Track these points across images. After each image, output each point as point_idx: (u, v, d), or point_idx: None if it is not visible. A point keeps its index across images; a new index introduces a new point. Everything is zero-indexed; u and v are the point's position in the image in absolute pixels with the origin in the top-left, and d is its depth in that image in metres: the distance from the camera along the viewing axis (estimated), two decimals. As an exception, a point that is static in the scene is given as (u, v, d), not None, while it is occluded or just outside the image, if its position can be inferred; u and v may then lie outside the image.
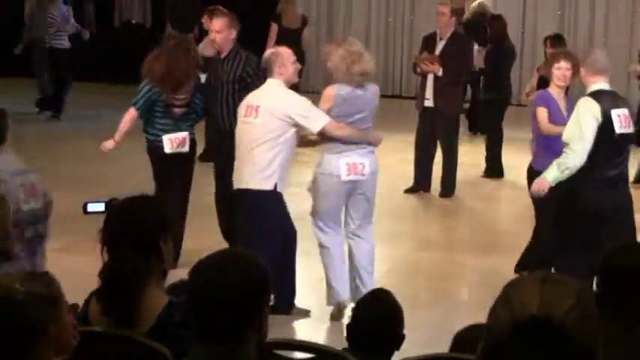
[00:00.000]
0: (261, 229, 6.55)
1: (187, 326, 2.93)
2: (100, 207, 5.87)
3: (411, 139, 10.87)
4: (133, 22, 17.88)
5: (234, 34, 7.83)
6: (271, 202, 6.59)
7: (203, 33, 10.87)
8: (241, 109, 6.74)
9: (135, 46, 14.44)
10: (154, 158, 7.84)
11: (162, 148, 7.68)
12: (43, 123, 14.23)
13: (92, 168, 11.05)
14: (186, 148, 7.73)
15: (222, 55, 7.83)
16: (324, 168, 6.70)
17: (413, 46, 16.98)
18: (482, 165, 11.62)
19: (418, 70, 10.71)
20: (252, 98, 6.70)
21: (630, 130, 6.35)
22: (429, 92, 10.52)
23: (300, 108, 6.56)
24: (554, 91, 7.17)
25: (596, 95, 6.34)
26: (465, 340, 3.54)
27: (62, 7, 14.52)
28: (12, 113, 14.57)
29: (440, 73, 10.34)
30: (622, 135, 6.29)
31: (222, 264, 2.86)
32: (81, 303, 3.61)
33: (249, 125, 6.60)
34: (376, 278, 7.55)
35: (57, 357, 2.83)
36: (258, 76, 7.39)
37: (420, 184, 10.73)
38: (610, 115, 6.23)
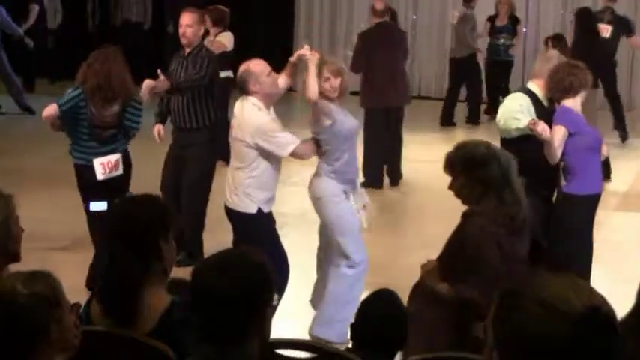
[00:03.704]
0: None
1: (190, 326, 2.92)
2: (103, 206, 5.85)
3: (410, 137, 10.96)
4: (133, 20, 17.85)
5: (202, 30, 7.89)
6: (255, 225, 6.31)
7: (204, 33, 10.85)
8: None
9: (133, 45, 14.38)
10: (83, 185, 7.11)
11: (93, 173, 6.98)
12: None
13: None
14: (119, 171, 7.05)
15: (187, 51, 7.78)
16: (325, 192, 6.34)
17: (415, 45, 17.03)
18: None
19: None
20: (234, 114, 6.46)
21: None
22: None
23: (264, 131, 6.18)
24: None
25: None
26: None
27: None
28: (9, 113, 14.62)
29: None
30: None
31: (223, 264, 2.86)
32: (83, 302, 3.61)
33: (231, 142, 6.43)
34: (379, 276, 7.56)
35: (59, 356, 2.83)
36: (203, 65, 7.56)
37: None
38: None
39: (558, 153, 6.19)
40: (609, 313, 2.01)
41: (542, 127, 6.07)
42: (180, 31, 7.82)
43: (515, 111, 6.30)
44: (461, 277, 4.49)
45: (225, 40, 10.65)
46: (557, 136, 6.18)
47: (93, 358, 3.21)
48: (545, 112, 6.37)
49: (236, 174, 6.32)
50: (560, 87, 6.29)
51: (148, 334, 3.44)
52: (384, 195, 10.67)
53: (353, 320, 4.14)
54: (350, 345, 4.14)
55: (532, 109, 6.38)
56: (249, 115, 6.27)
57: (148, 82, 7.39)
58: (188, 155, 7.74)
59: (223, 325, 2.78)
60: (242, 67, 6.42)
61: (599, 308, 1.99)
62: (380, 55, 10.69)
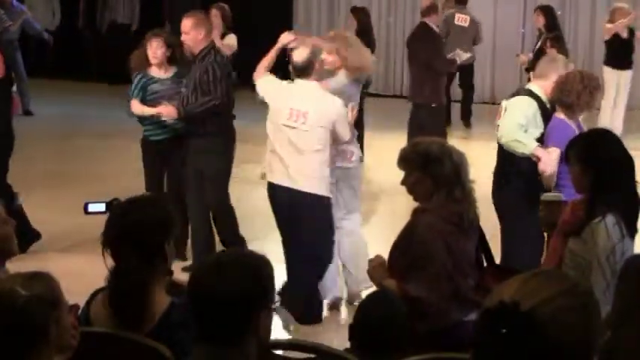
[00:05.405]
0: (320, 233, 6.50)
1: (188, 327, 2.93)
2: (101, 207, 5.85)
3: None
4: (119, 22, 17.82)
5: (203, 33, 7.49)
6: (329, 207, 6.53)
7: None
8: (283, 111, 6.43)
9: (119, 46, 14.30)
10: (147, 150, 7.85)
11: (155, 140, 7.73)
12: (40, 122, 14.21)
13: (91, 167, 11.05)
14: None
15: (195, 55, 7.57)
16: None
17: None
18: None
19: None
20: (297, 102, 6.38)
21: None
22: None
23: (341, 113, 6.42)
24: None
25: None
26: None
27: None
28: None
29: None
30: None
31: (222, 265, 2.86)
32: (82, 303, 3.61)
33: (296, 130, 6.37)
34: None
35: (57, 357, 2.84)
36: (216, 78, 7.24)
37: None
38: None
39: (554, 176, 5.98)
40: (534, 311, 1.85)
41: (544, 164, 5.95)
42: (181, 38, 7.64)
43: (519, 127, 6.12)
44: (407, 274, 4.51)
45: (232, 42, 10.63)
46: (553, 159, 5.98)
47: (91, 359, 3.21)
48: (548, 116, 6.22)
49: (312, 157, 6.37)
50: (562, 100, 6.06)
51: (147, 335, 3.45)
52: (396, 199, 10.68)
53: (352, 321, 4.15)
54: (349, 345, 4.14)
55: (539, 115, 6.21)
56: (326, 101, 6.40)
57: (150, 109, 7.59)
58: (205, 165, 7.36)
59: (222, 326, 2.79)
60: (309, 48, 6.43)
61: (516, 305, 1.85)
62: (410, 54, 11.42)
